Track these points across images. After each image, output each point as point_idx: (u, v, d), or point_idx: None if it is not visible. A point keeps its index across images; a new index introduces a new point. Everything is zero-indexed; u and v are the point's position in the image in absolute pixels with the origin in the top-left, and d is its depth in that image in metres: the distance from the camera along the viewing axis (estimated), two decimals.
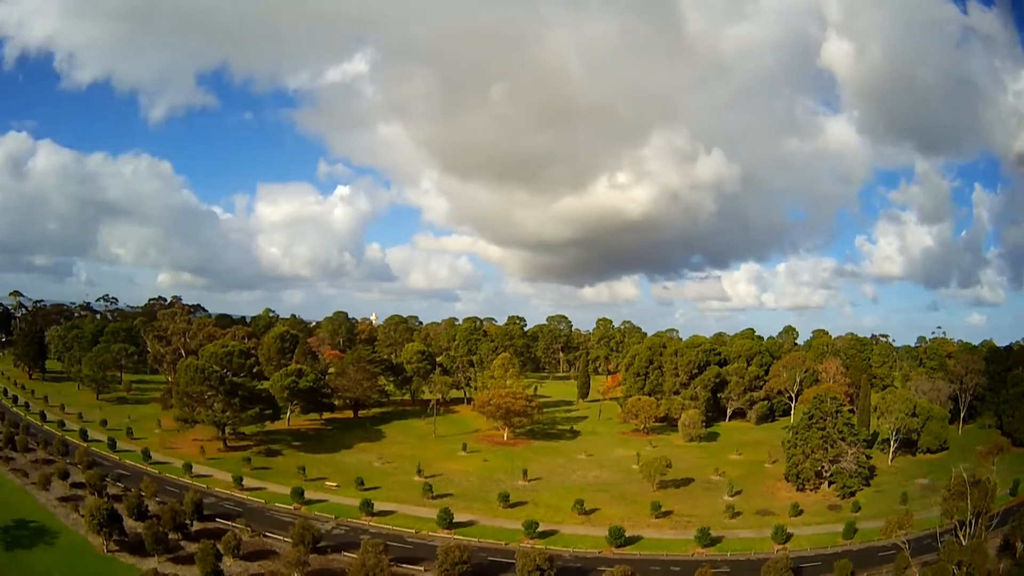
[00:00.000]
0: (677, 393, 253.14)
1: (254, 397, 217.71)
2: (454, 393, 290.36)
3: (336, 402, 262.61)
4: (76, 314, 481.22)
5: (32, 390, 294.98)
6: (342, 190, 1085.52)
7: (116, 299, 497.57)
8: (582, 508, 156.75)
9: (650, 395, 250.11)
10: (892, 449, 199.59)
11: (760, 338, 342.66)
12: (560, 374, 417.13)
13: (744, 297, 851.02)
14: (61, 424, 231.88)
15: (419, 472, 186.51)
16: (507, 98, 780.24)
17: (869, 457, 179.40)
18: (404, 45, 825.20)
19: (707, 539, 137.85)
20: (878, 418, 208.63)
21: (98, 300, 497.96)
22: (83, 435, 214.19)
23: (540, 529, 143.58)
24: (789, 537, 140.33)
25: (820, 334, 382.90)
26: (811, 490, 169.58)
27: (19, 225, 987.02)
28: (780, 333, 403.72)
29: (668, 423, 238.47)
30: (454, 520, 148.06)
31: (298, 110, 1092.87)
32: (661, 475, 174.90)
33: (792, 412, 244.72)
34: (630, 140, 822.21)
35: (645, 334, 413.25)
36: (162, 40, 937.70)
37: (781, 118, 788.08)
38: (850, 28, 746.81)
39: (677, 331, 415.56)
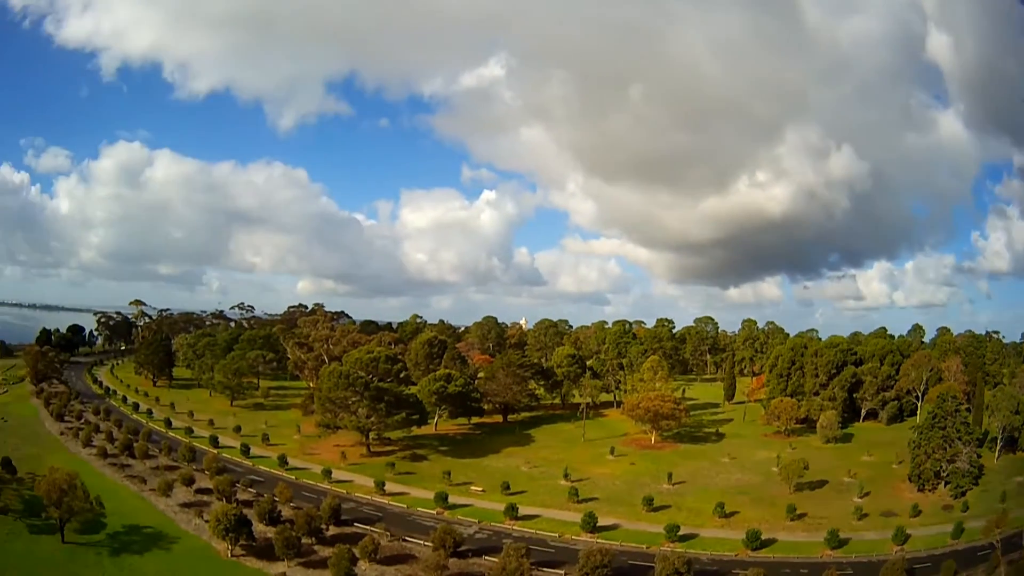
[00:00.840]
0: (817, 394, 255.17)
1: (400, 402, 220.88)
2: (604, 397, 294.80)
3: (485, 406, 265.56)
4: (208, 322, 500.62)
5: (156, 397, 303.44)
6: (488, 194, 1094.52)
7: (252, 307, 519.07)
8: (722, 511, 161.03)
9: (792, 396, 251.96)
10: (998, 447, 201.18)
11: (891, 337, 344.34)
12: (707, 376, 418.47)
13: (877, 296, 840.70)
14: (189, 431, 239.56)
15: (566, 476, 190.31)
16: (645, 98, 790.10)
17: (979, 456, 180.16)
18: (538, 48, 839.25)
19: (835, 541, 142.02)
20: (989, 416, 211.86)
21: (232, 308, 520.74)
22: (213, 441, 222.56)
23: (681, 532, 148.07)
24: (907, 538, 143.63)
25: (943, 332, 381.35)
26: (930, 490, 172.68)
27: (139, 234, 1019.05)
28: (909, 332, 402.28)
29: (807, 424, 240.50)
30: (598, 524, 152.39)
31: (435, 116, 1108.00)
32: (798, 477, 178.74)
33: (918, 412, 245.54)
34: (766, 138, 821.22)
35: (788, 335, 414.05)
36: (283, 49, 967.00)
37: (899, 113, 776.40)
38: (946, 20, 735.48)
39: (817, 331, 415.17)
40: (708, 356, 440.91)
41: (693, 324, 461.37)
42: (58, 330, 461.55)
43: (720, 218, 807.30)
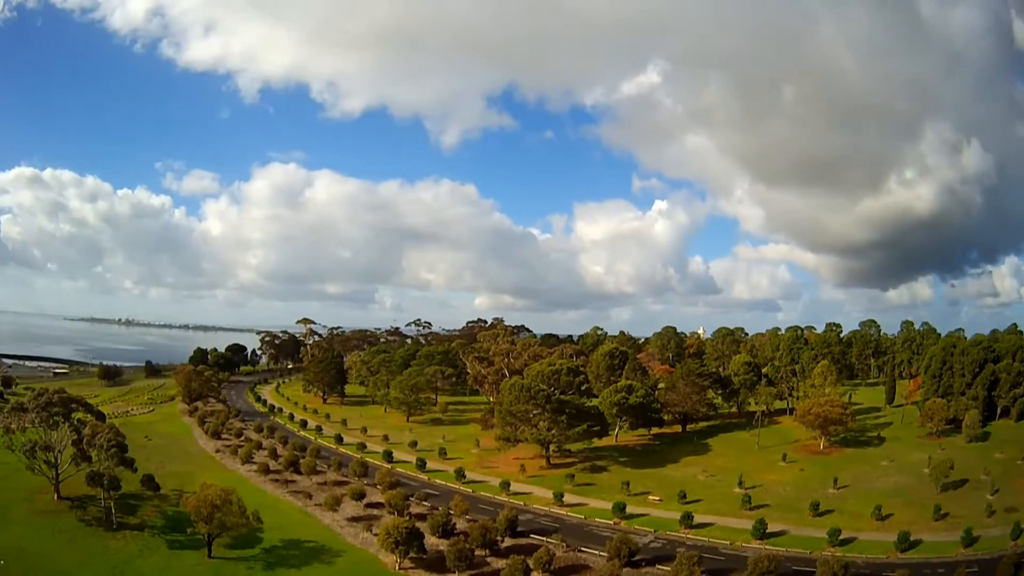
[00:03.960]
0: (963, 394, 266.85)
1: (582, 414, 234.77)
2: (777, 404, 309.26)
3: (665, 417, 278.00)
4: (383, 339, 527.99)
5: (327, 414, 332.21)
6: (659, 204, 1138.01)
7: (429, 323, 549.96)
8: (879, 514, 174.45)
9: (942, 397, 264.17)
10: None
11: (1021, 333, 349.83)
12: (871, 380, 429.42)
13: (1009, 291, 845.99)
14: (361, 446, 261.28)
15: (740, 484, 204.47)
16: (798, 99, 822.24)
17: None
18: (691, 51, 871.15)
19: (968, 539, 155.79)
20: None
21: (408, 324, 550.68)
22: (387, 456, 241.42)
23: (841, 536, 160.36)
24: (1021, 533, 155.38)
25: None
26: None
27: (303, 255, 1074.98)
28: None
29: (955, 424, 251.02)
30: (767, 530, 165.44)
31: (600, 126, 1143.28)
32: (944, 478, 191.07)
33: None
34: (909, 135, 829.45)
35: (939, 335, 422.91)
36: (436, 64, 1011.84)
37: (1008, 104, 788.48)
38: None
39: (963, 330, 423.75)
40: (872, 360, 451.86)
41: (858, 328, 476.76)
42: (215, 349, 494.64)
43: (875, 219, 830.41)
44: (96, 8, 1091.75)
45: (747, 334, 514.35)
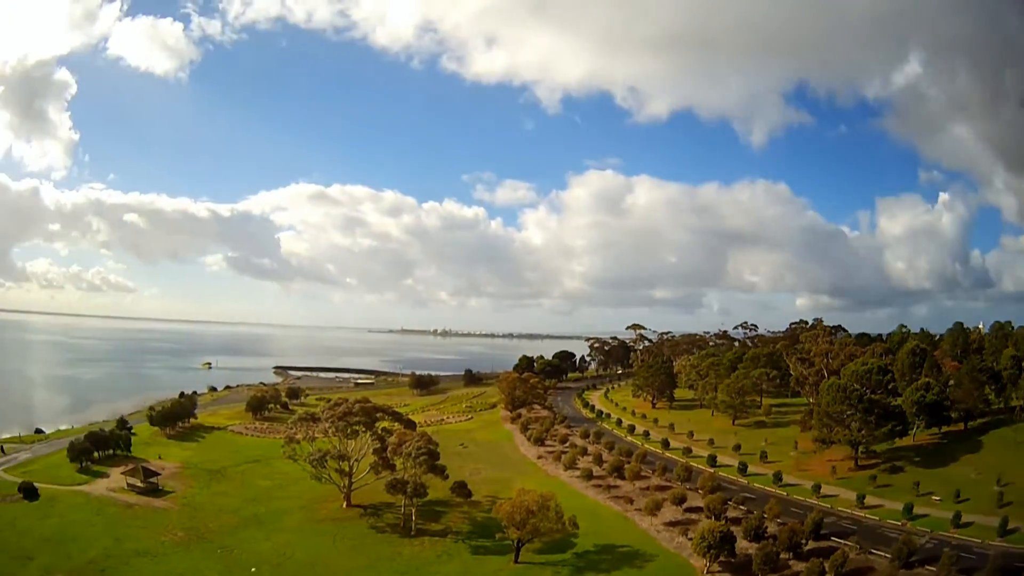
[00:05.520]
0: None
1: (888, 414, 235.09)
2: None
3: (952, 414, 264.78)
4: (711, 342, 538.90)
5: (655, 419, 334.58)
6: (943, 196, 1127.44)
7: (755, 325, 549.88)
8: None
9: None
10: None
11: None
12: None
13: None
14: (687, 451, 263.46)
15: (998, 482, 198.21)
16: (1015, 82, 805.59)
17: None
18: (941, 39, 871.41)
19: None
20: None
21: (736, 328, 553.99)
22: (711, 460, 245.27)
23: None
24: None
25: None
26: None
27: (629, 261, 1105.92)
28: None
29: None
30: (1008, 528, 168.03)
31: (882, 118, 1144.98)
32: None
33: None
34: None
35: None
36: (732, 63, 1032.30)
37: None
38: None
39: None
40: None
41: None
42: (542, 357, 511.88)
43: None
44: (352, 27, 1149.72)
45: (1013, 327, 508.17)
